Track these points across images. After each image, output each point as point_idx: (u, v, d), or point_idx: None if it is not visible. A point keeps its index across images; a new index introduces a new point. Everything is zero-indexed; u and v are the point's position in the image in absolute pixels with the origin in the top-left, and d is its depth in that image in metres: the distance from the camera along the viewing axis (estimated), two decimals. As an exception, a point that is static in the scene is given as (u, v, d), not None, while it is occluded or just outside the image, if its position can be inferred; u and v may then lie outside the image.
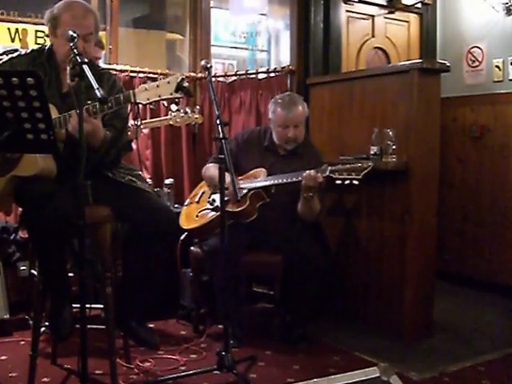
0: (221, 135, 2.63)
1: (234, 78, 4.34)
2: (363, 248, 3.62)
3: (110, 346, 2.51)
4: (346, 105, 3.83)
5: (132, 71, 3.98)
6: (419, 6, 4.95)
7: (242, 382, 2.71)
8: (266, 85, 4.25)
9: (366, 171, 2.96)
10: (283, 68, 4.27)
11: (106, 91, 2.21)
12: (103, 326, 2.59)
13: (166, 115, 3.63)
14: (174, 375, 2.75)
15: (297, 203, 3.22)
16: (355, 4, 4.62)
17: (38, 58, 2.50)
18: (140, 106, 2.42)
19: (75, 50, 2.13)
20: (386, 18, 4.85)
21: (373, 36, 4.80)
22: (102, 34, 3.80)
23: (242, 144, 3.47)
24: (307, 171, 3.07)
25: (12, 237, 3.48)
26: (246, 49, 5.91)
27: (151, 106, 2.41)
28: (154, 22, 5.09)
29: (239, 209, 3.16)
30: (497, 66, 4.53)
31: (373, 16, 4.78)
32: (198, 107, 3.73)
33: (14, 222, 3.53)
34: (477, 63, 4.69)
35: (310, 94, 4.08)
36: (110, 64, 4.00)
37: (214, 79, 3.61)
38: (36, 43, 3.81)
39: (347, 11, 4.56)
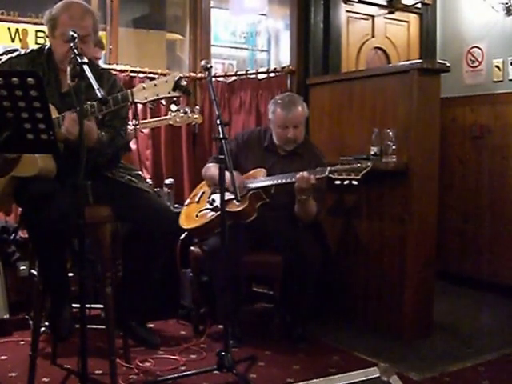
0: (221, 135, 2.64)
1: (234, 78, 4.34)
2: (363, 248, 3.62)
3: (109, 345, 2.51)
4: (345, 105, 3.83)
5: (132, 71, 3.98)
6: (419, 6, 4.95)
7: (242, 382, 2.71)
8: (265, 85, 4.25)
9: (364, 171, 2.96)
10: (283, 68, 4.27)
11: (106, 91, 2.21)
12: (103, 326, 2.59)
13: (166, 115, 3.63)
14: (174, 375, 2.75)
15: (297, 203, 3.23)
16: (355, 4, 4.62)
17: (38, 58, 2.50)
18: (139, 105, 2.42)
19: (75, 51, 2.12)
20: (385, 18, 4.85)
21: (373, 36, 4.80)
22: (102, 33, 3.80)
23: (242, 144, 3.47)
24: (300, 173, 3.08)
25: (12, 237, 3.48)
26: (246, 49, 5.91)
27: (150, 106, 2.42)
28: (153, 22, 5.09)
29: (238, 209, 3.16)
30: (497, 66, 4.53)
31: (373, 16, 4.78)
32: (197, 107, 3.72)
33: (13, 222, 3.53)
34: (477, 63, 4.69)
35: (310, 94, 4.08)
36: (109, 64, 4.00)
37: (213, 79, 3.61)
38: (36, 43, 3.81)
39: (347, 11, 4.56)
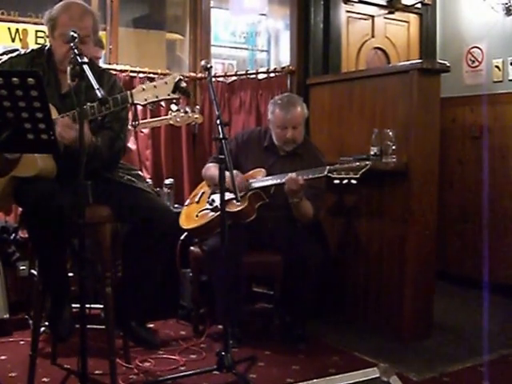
0: (221, 135, 2.63)
1: (234, 78, 4.34)
2: (363, 248, 3.62)
3: (109, 345, 2.51)
4: (345, 105, 3.83)
5: (132, 71, 3.98)
6: (419, 6, 4.95)
7: (242, 382, 2.71)
8: (265, 85, 4.25)
9: (363, 170, 2.96)
10: (283, 68, 4.27)
11: (106, 92, 2.21)
12: (103, 326, 2.59)
13: (166, 115, 3.63)
14: (174, 375, 2.76)
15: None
16: (355, 4, 4.62)
17: (38, 58, 2.50)
18: (139, 106, 2.42)
19: (75, 51, 2.12)
20: (385, 18, 4.85)
21: (373, 36, 4.80)
22: (102, 33, 3.79)
23: (242, 144, 3.47)
24: (289, 174, 3.07)
25: (12, 237, 3.48)
26: (246, 49, 5.91)
27: (149, 107, 2.41)
28: (153, 22, 5.09)
29: (238, 209, 3.16)
30: (496, 67, 4.53)
31: (373, 16, 4.78)
32: (198, 107, 3.73)
33: (13, 222, 3.53)
34: (476, 63, 4.69)
35: (310, 95, 4.08)
36: (109, 64, 4.00)
37: (213, 79, 3.61)
38: (36, 43, 3.81)
39: (347, 11, 4.56)
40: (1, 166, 2.35)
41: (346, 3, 4.51)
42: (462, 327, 3.66)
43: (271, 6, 5.18)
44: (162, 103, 2.39)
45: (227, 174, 2.73)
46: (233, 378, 2.69)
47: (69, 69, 2.15)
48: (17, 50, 3.07)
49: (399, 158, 3.36)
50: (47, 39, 2.61)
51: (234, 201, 2.92)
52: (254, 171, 3.34)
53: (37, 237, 2.39)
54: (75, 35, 2.20)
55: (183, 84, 2.28)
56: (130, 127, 3.30)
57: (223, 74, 4.48)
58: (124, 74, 3.95)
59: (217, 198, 3.17)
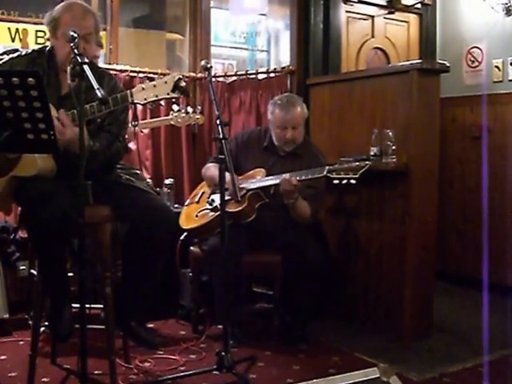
0: (221, 135, 2.63)
1: (234, 78, 4.34)
2: (363, 248, 3.62)
3: (109, 346, 2.51)
4: (345, 105, 3.83)
5: (132, 71, 3.98)
6: (419, 6, 4.95)
7: (242, 382, 2.71)
8: (265, 85, 4.24)
9: (362, 170, 2.96)
10: (283, 68, 4.27)
11: (106, 93, 2.21)
12: (103, 326, 2.59)
13: (167, 115, 3.63)
14: (174, 375, 2.75)
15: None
16: (355, 4, 4.62)
17: (38, 59, 2.50)
18: (139, 105, 2.42)
19: (75, 50, 2.12)
20: (385, 18, 4.85)
21: (372, 36, 4.80)
22: (101, 33, 3.79)
23: (242, 144, 3.47)
24: (283, 175, 3.07)
25: (12, 236, 3.48)
26: (246, 49, 5.91)
27: (149, 106, 2.41)
28: (153, 22, 5.09)
29: (238, 209, 3.16)
30: (496, 67, 4.53)
31: (372, 16, 4.78)
32: (199, 107, 3.73)
33: (13, 222, 3.53)
34: (476, 63, 4.69)
35: (310, 95, 4.08)
36: (110, 64, 4.00)
37: (213, 79, 3.61)
38: (36, 43, 3.81)
39: (347, 11, 4.56)
40: (1, 165, 2.35)
41: (345, 3, 4.52)
42: (462, 327, 3.66)
43: (271, 6, 5.18)
44: (162, 102, 2.39)
45: (227, 174, 2.73)
46: (233, 378, 2.69)
47: (69, 69, 2.15)
48: (17, 50, 3.06)
49: (399, 158, 3.36)
50: (48, 41, 2.60)
51: (234, 201, 2.92)
52: (253, 171, 3.34)
53: (36, 237, 2.39)
54: (75, 35, 2.20)
55: (182, 83, 2.28)
56: (132, 127, 3.31)
57: (223, 74, 4.48)
58: (124, 74, 3.96)
59: (217, 197, 3.17)
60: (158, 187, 3.80)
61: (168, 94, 2.28)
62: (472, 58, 4.71)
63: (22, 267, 3.49)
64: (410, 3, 4.90)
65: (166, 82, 2.28)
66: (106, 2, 4.11)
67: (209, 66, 2.79)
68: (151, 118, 3.88)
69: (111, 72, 3.68)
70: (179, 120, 3.55)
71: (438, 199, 3.49)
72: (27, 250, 3.27)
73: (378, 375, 2.18)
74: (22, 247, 3.46)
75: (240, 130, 4.12)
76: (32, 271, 2.65)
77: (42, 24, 3.74)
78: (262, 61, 5.91)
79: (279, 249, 3.25)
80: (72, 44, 2.17)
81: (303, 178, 3.07)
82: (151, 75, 3.93)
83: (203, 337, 3.32)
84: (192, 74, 4.34)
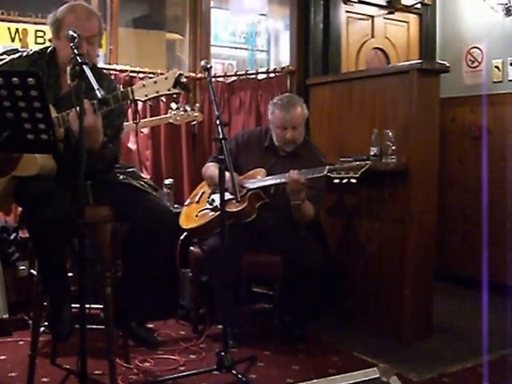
0: (220, 136, 2.63)
1: (234, 78, 4.34)
2: (363, 248, 3.62)
3: (109, 346, 2.51)
4: (345, 105, 3.83)
5: (132, 71, 3.98)
6: (419, 6, 4.95)
7: (242, 382, 2.70)
8: (265, 85, 4.24)
9: (363, 169, 2.96)
10: (283, 68, 4.27)
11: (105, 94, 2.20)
12: (103, 326, 2.59)
13: (166, 113, 3.63)
14: (174, 375, 2.75)
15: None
16: (355, 4, 4.62)
17: (39, 60, 2.49)
18: (139, 103, 2.41)
19: (75, 51, 2.12)
20: (385, 18, 4.85)
21: (372, 36, 4.80)
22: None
23: (242, 144, 3.47)
24: (290, 174, 3.07)
25: (12, 237, 3.48)
26: (246, 49, 5.91)
27: (150, 103, 2.41)
28: (153, 22, 5.09)
29: (238, 209, 3.16)
30: (496, 67, 4.53)
31: (372, 16, 4.78)
32: (197, 105, 3.73)
33: (13, 222, 3.53)
34: (476, 64, 4.69)
35: (310, 95, 4.08)
36: (109, 64, 4.00)
37: (213, 79, 3.61)
38: (36, 43, 3.81)
39: (347, 12, 4.56)
40: (1, 165, 2.35)
41: (345, 3, 4.52)
42: (462, 327, 3.66)
43: (271, 6, 5.18)
44: (163, 99, 2.39)
45: (227, 174, 2.73)
46: (232, 378, 2.69)
47: (69, 69, 2.15)
48: (17, 50, 3.06)
49: (399, 158, 3.36)
50: (49, 42, 2.60)
51: (234, 201, 2.92)
52: (254, 171, 3.34)
53: (37, 237, 2.39)
54: (75, 35, 2.20)
55: (183, 79, 2.27)
56: (131, 126, 3.31)
57: (223, 74, 4.48)
58: (124, 74, 3.95)
59: (217, 197, 3.17)
60: (157, 186, 3.81)
61: (169, 89, 2.27)
62: (472, 58, 4.72)
63: (21, 267, 3.49)
64: (409, 3, 4.90)
65: (166, 78, 2.27)
66: (105, 2, 4.11)
67: (209, 66, 2.79)
68: (151, 116, 3.87)
69: (111, 72, 3.72)
70: (178, 118, 3.55)
71: (437, 199, 3.49)
72: (27, 250, 3.28)
73: (377, 375, 2.18)
74: (22, 247, 3.46)
75: (240, 130, 4.12)
76: (32, 271, 2.65)
77: (41, 24, 3.77)
78: (262, 61, 5.91)
79: (279, 249, 3.24)
80: (72, 44, 2.17)
81: (300, 176, 3.07)
82: (151, 75, 3.92)
83: (203, 337, 3.31)
84: (192, 74, 4.34)
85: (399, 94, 3.44)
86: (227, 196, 2.94)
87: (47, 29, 2.55)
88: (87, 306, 2.19)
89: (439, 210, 3.54)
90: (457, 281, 4.53)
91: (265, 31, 5.89)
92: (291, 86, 4.22)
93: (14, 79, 1.91)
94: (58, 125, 2.29)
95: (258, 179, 3.27)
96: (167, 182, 3.86)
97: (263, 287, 3.86)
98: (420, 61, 3.66)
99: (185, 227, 3.38)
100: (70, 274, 2.63)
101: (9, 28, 3.82)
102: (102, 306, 2.63)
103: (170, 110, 3.54)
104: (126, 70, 3.97)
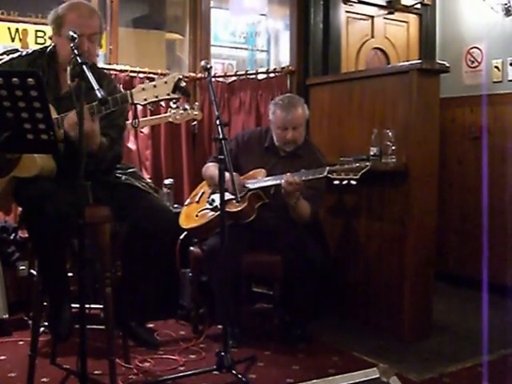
0: (220, 136, 2.63)
1: (234, 78, 4.34)
2: (363, 248, 3.62)
3: (109, 346, 2.51)
4: (345, 105, 3.83)
5: (132, 71, 3.98)
6: (418, 6, 4.95)
7: (242, 382, 2.70)
8: (265, 85, 4.25)
9: (363, 171, 2.97)
10: (283, 68, 4.27)
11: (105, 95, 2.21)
12: (102, 326, 2.59)
13: (166, 112, 3.63)
14: (174, 375, 2.75)
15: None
16: (355, 5, 4.62)
17: (39, 59, 2.49)
18: (138, 106, 2.42)
19: (75, 51, 2.12)
20: (385, 18, 4.85)
21: (372, 36, 4.80)
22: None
23: (243, 144, 3.47)
24: (286, 175, 3.07)
25: (11, 237, 3.48)
26: (246, 49, 5.91)
27: (149, 107, 2.41)
28: (153, 22, 5.10)
29: (238, 209, 3.16)
30: (496, 67, 4.53)
31: (372, 17, 4.79)
32: (197, 103, 3.73)
33: (13, 222, 3.53)
34: (476, 64, 4.69)
35: (310, 95, 4.08)
36: (110, 64, 4.00)
37: (213, 79, 3.61)
38: (36, 43, 3.81)
39: (347, 12, 4.57)
40: (1, 165, 2.35)
41: (345, 3, 4.52)
42: (462, 327, 3.66)
43: (271, 6, 5.18)
44: (162, 103, 2.39)
45: (227, 174, 2.73)
46: (232, 378, 2.69)
47: (69, 69, 2.15)
48: (17, 50, 3.06)
49: (399, 158, 3.36)
50: (49, 40, 2.60)
51: (234, 201, 2.92)
52: (254, 171, 3.34)
53: (37, 237, 2.39)
54: (75, 35, 2.20)
55: (183, 84, 2.27)
56: (130, 126, 3.31)
57: (223, 74, 4.48)
58: (124, 74, 3.96)
59: (217, 197, 3.17)
60: (157, 187, 3.80)
61: (168, 94, 2.27)
62: (472, 59, 4.72)
63: (21, 267, 3.49)
64: (409, 3, 4.90)
65: (166, 83, 2.27)
66: (105, 2, 4.11)
67: (209, 66, 2.79)
68: (150, 115, 3.87)
69: (111, 72, 3.71)
70: (177, 117, 3.55)
71: (437, 199, 3.49)
72: (27, 250, 3.28)
73: (377, 375, 2.17)
74: (22, 247, 3.46)
75: (240, 130, 4.12)
76: (32, 271, 2.65)
77: (41, 24, 3.77)
78: (262, 61, 5.91)
79: (279, 249, 3.24)
80: (72, 44, 2.17)
81: (304, 178, 3.08)
82: (151, 75, 3.94)
83: (203, 337, 3.31)
84: (192, 74, 4.34)
85: (399, 94, 3.44)
86: (227, 196, 2.94)
87: (47, 29, 2.56)
88: (87, 306, 2.19)
89: (439, 209, 3.54)
90: (457, 281, 4.53)
91: (265, 31, 5.89)
92: (291, 86, 4.22)
93: (14, 79, 1.91)
94: (58, 126, 2.29)
95: (259, 179, 3.27)
96: (167, 181, 3.87)
97: (263, 287, 3.87)
98: (420, 61, 3.66)
99: (185, 227, 3.38)
100: (70, 274, 2.63)
101: (9, 28, 3.82)
102: (101, 306, 2.64)
103: (169, 109, 3.54)
104: (126, 70, 3.97)
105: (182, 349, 3.15)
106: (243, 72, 4.37)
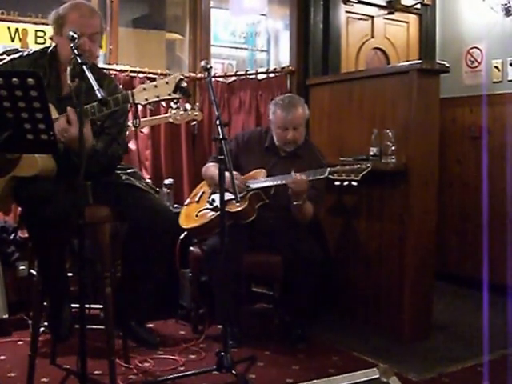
0: (220, 136, 2.63)
1: (234, 78, 4.34)
2: (363, 248, 3.63)
3: (109, 346, 2.51)
4: (345, 105, 3.84)
5: (132, 71, 3.98)
6: (418, 6, 4.95)
7: (241, 382, 2.70)
8: (265, 85, 4.24)
9: (364, 172, 2.98)
10: (283, 68, 4.27)
11: (106, 95, 2.21)
12: (102, 326, 2.59)
13: (166, 113, 3.63)
14: (173, 375, 2.75)
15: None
16: (355, 5, 4.62)
17: (40, 60, 2.49)
18: (139, 106, 2.41)
19: (75, 51, 2.12)
20: (385, 18, 4.85)
21: (372, 36, 4.80)
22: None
23: (243, 144, 3.47)
24: (296, 175, 3.06)
25: (11, 237, 3.48)
26: (246, 49, 5.91)
27: (150, 107, 2.41)
28: (153, 22, 5.10)
29: (238, 209, 3.16)
30: (496, 67, 4.54)
31: (372, 17, 4.79)
32: (197, 104, 3.73)
33: (13, 222, 3.53)
34: (476, 64, 4.69)
35: (310, 95, 4.08)
36: (109, 64, 4.00)
37: (213, 79, 3.61)
38: (36, 43, 3.81)
39: (347, 12, 4.57)
40: (1, 165, 2.35)
41: (345, 3, 4.52)
42: (462, 327, 3.66)
43: (271, 6, 5.18)
44: (163, 103, 2.39)
45: (227, 174, 2.73)
46: (232, 378, 2.69)
47: (69, 69, 2.15)
48: (17, 49, 3.07)
49: (398, 158, 3.36)
50: (49, 40, 2.60)
51: (234, 201, 2.92)
52: (254, 172, 3.34)
53: (37, 237, 2.39)
54: (75, 35, 2.20)
55: (184, 84, 2.28)
56: (133, 127, 3.31)
57: (223, 74, 4.48)
58: (124, 74, 3.95)
59: (217, 197, 3.17)
60: (157, 187, 3.80)
61: (169, 94, 2.27)
62: (471, 59, 4.72)
63: (21, 267, 3.49)
64: (409, 3, 4.90)
65: (167, 83, 2.27)
66: (105, 2, 4.11)
67: (208, 66, 2.79)
68: (151, 115, 3.87)
69: (111, 72, 3.71)
70: (178, 117, 3.55)
71: (437, 199, 3.49)
72: (27, 249, 3.28)
73: (377, 375, 2.18)
74: (22, 247, 3.46)
75: (239, 130, 4.12)
76: (32, 271, 2.65)
77: (41, 24, 3.77)
78: (262, 61, 5.91)
79: (279, 249, 3.24)
80: (72, 44, 2.17)
81: (306, 178, 3.08)
82: (151, 75, 3.94)
83: (203, 337, 3.31)
84: (192, 74, 4.34)
85: (399, 94, 3.44)
86: (227, 196, 2.94)
87: (47, 29, 2.57)
88: (87, 306, 2.19)
89: (439, 209, 3.54)
90: (457, 281, 4.53)
91: (265, 31, 5.89)
92: (291, 86, 4.22)
93: (14, 79, 1.91)
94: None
95: (259, 180, 3.27)
96: (167, 181, 3.86)
97: (263, 287, 3.87)
98: (420, 61, 3.67)
99: (185, 227, 3.38)
100: (69, 274, 2.63)
101: (9, 28, 3.82)
102: (101, 306, 2.63)
103: (169, 110, 3.54)
104: (126, 70, 3.97)
105: (181, 349, 3.15)
106: (243, 72, 4.37)
